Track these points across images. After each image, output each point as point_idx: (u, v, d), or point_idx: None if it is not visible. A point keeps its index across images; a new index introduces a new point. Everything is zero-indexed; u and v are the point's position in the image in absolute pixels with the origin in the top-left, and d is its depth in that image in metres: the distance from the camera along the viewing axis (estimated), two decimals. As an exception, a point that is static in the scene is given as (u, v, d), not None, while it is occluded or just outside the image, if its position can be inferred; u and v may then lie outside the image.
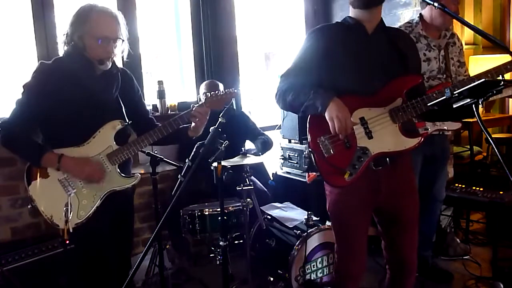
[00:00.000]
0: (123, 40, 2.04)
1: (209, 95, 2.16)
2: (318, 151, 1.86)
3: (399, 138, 1.87)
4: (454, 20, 3.77)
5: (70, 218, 1.75)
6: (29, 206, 2.02)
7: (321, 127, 1.83)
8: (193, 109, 2.12)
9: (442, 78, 2.68)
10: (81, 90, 1.98)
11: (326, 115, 1.78)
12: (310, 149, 1.89)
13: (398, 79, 1.90)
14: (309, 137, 1.90)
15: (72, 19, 2.00)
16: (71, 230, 1.82)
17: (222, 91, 2.18)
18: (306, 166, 1.90)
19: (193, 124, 2.16)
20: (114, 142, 2.06)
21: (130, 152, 2.08)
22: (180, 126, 2.15)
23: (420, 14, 2.74)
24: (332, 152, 1.85)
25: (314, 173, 1.97)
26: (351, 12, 1.94)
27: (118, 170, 2.07)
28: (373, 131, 1.87)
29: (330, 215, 2.03)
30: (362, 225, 1.98)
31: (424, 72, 2.63)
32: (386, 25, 1.97)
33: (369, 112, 1.88)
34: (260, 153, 3.18)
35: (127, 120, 2.11)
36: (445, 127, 2.66)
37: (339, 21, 2.00)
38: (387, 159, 1.88)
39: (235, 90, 2.19)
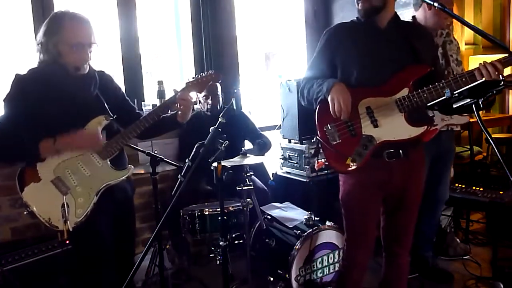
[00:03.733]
0: (97, 45, 2.04)
1: (190, 79, 2.19)
2: (324, 138, 1.94)
3: (404, 127, 1.91)
4: (454, 20, 3.78)
5: (68, 218, 1.74)
6: (25, 212, 2.01)
7: (328, 116, 1.91)
8: (177, 95, 2.13)
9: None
10: (61, 94, 1.99)
11: (328, 97, 1.87)
12: (317, 137, 1.98)
13: (406, 69, 1.94)
14: (317, 126, 1.98)
15: (45, 27, 2.00)
16: (70, 230, 1.82)
17: (203, 73, 2.20)
18: (312, 153, 1.99)
19: (180, 112, 2.17)
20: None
21: (119, 144, 2.08)
22: (167, 114, 2.16)
23: (413, 16, 2.77)
24: (338, 139, 1.93)
25: (322, 161, 2.05)
26: None
27: (110, 164, 2.07)
28: (379, 120, 1.92)
29: (342, 204, 2.09)
30: (372, 215, 2.06)
31: None
32: None
33: (376, 101, 1.93)
34: (257, 155, 3.17)
35: (112, 115, 2.11)
36: (454, 121, 2.68)
37: (353, 19, 2.07)
38: (401, 151, 1.93)
39: (214, 73, 2.21)
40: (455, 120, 2.70)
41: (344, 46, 1.97)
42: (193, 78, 2.19)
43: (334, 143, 1.93)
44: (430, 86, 1.86)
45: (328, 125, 1.94)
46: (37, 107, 1.95)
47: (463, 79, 1.81)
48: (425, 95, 1.86)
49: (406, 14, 3.49)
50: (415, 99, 1.88)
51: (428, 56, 2.05)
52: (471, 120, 4.09)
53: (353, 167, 1.91)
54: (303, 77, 2.09)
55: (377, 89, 1.93)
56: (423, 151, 2.08)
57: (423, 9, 2.68)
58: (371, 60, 1.94)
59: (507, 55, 1.84)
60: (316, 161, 2.11)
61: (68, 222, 1.77)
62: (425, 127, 1.91)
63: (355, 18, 2.05)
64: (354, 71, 1.94)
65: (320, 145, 1.98)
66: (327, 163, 2.01)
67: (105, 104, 2.12)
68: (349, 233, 2.11)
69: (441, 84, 1.84)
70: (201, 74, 2.21)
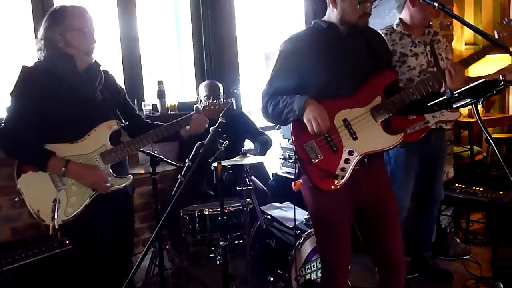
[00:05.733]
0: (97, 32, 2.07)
1: (208, 103, 2.20)
2: (305, 157, 1.87)
3: (383, 136, 1.90)
4: (454, 20, 3.78)
5: (57, 214, 1.73)
6: (16, 199, 2.01)
7: (305, 133, 1.83)
8: (192, 116, 2.16)
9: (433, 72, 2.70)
10: (66, 86, 1.98)
11: (304, 118, 1.80)
12: (296, 156, 1.90)
13: (375, 77, 1.93)
14: (294, 144, 1.91)
15: (47, 22, 2.01)
16: (56, 227, 1.81)
17: (221, 101, 2.22)
18: (295, 173, 1.95)
19: (188, 127, 2.18)
20: (109, 142, 2.06)
21: (124, 153, 2.08)
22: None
23: (400, 18, 2.77)
24: (319, 157, 1.87)
25: (300, 181, 1.98)
26: (326, 16, 1.98)
27: (111, 170, 2.07)
28: (357, 132, 1.88)
29: (312, 216, 2.05)
30: (345, 222, 1.99)
31: (414, 67, 2.65)
32: (387, 25, 1.99)
33: (351, 112, 1.89)
34: (259, 153, 3.17)
35: (123, 121, 2.12)
36: (445, 118, 2.67)
37: (311, 26, 2.02)
38: (365, 159, 1.90)
39: (235, 90, 2.22)
40: (446, 117, 2.69)
41: (307, 57, 1.90)
42: (211, 103, 2.21)
43: (316, 160, 1.87)
44: (402, 92, 1.89)
45: (308, 142, 1.87)
46: (43, 101, 1.94)
47: (430, 83, 1.87)
48: (397, 101, 1.88)
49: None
50: (389, 107, 1.88)
51: (388, 59, 2.08)
52: (471, 120, 4.11)
53: (340, 184, 1.85)
54: (264, 92, 1.98)
55: (350, 100, 1.90)
56: (383, 158, 2.07)
57: (407, 8, 2.68)
58: (338, 70, 1.89)
59: (471, 53, 1.97)
60: (293, 183, 2.03)
61: (56, 219, 1.76)
62: (402, 134, 1.90)
63: (314, 23, 2.00)
64: (322, 83, 1.88)
65: (301, 165, 1.90)
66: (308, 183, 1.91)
67: (110, 102, 2.13)
68: (326, 243, 2.03)
69: (411, 90, 1.88)
70: (221, 101, 2.23)
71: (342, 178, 1.85)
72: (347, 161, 1.86)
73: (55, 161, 1.95)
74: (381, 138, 1.89)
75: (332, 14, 1.94)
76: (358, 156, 1.86)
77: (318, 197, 1.95)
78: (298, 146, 1.89)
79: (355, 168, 1.87)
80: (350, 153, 1.87)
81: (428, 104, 1.86)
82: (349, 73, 1.91)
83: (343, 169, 1.86)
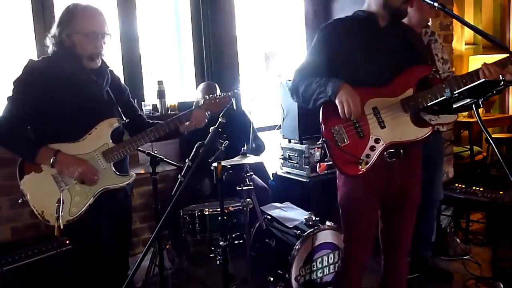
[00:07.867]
0: (110, 36, 2.05)
1: (208, 97, 2.18)
2: (332, 140, 1.88)
3: (411, 128, 1.91)
4: (454, 20, 3.78)
5: (61, 214, 1.73)
6: (19, 201, 2.01)
7: (334, 117, 1.86)
8: (192, 112, 2.13)
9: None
10: (71, 84, 1.99)
11: (336, 100, 1.81)
12: (323, 138, 1.91)
13: (410, 69, 1.94)
14: (322, 126, 1.92)
15: (58, 20, 2.01)
16: (61, 227, 1.82)
17: (221, 94, 2.20)
18: (317, 156, 1.96)
19: (187, 123, 2.17)
20: (110, 140, 2.05)
21: (126, 151, 2.08)
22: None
23: None
24: (346, 141, 1.88)
25: (325, 164, 2.00)
26: (365, 5, 1.98)
27: (113, 169, 2.06)
28: (386, 121, 1.90)
29: (341, 207, 2.07)
30: (372, 216, 2.06)
31: None
32: None
33: (382, 102, 1.91)
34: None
35: (124, 118, 2.12)
36: (441, 121, 2.68)
37: (350, 15, 2.03)
38: (401, 151, 1.92)
39: (235, 91, 2.21)
40: (442, 120, 2.70)
41: (344, 44, 1.92)
42: (211, 97, 2.19)
43: (342, 144, 1.88)
44: (433, 87, 1.88)
45: (336, 126, 1.88)
46: (45, 97, 1.94)
47: (463, 81, 1.85)
48: (429, 95, 1.88)
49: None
50: (420, 100, 1.89)
51: (424, 55, 2.08)
52: (471, 120, 4.11)
53: (363, 170, 1.87)
54: (297, 72, 1.99)
55: (382, 89, 1.91)
56: (421, 150, 2.08)
57: None
58: (373, 60, 1.92)
59: (507, 55, 1.87)
60: (318, 164, 2.05)
61: (60, 219, 1.77)
62: (430, 128, 1.92)
63: (354, 13, 2.01)
64: (356, 70, 1.90)
65: (326, 147, 1.90)
66: (332, 166, 1.92)
67: (115, 102, 2.12)
68: (349, 236, 2.08)
69: (443, 85, 1.87)
70: (221, 94, 2.20)
71: (367, 164, 1.87)
72: (372, 148, 1.88)
73: (44, 151, 1.95)
74: (409, 129, 1.91)
75: (373, 1, 1.94)
76: (384, 145, 1.88)
77: (350, 185, 1.99)
78: (326, 129, 1.90)
79: (391, 161, 1.90)
80: (377, 141, 1.88)
81: (428, 104, 1.87)
82: (383, 64, 1.93)
83: (368, 156, 1.88)
